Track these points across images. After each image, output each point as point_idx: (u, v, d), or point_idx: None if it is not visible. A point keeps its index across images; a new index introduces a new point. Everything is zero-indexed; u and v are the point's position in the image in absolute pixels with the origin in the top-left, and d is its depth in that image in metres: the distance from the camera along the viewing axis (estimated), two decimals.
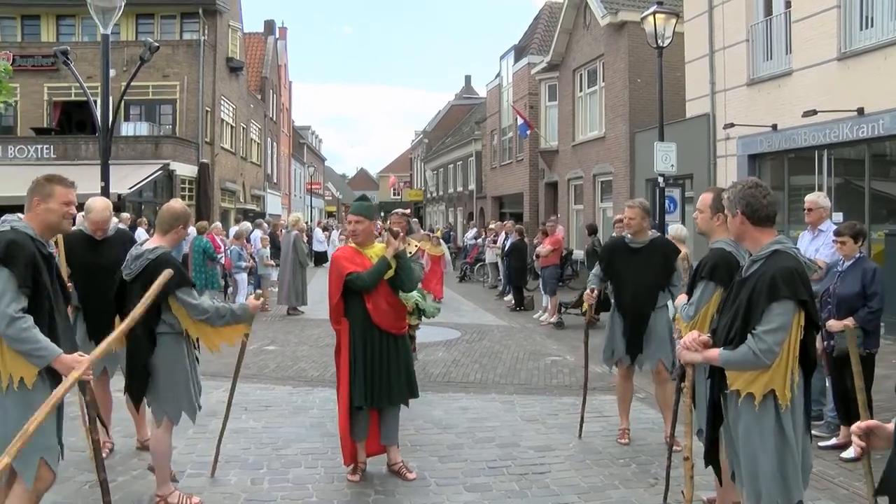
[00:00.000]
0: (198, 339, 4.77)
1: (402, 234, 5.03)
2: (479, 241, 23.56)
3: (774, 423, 3.03)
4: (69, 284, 5.07)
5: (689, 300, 4.03)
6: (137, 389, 4.53)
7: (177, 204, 4.69)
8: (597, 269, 6.05)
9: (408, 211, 41.11)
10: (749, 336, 3.02)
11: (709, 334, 3.30)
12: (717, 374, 3.21)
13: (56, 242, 5.24)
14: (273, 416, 6.69)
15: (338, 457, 5.39)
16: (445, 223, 41.62)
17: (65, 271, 5.09)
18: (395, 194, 64.58)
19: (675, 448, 4.20)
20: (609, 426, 6.39)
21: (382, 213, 64.67)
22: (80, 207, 6.11)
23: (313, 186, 51.40)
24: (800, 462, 3.07)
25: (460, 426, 6.37)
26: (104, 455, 5.32)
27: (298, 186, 50.27)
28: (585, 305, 6.27)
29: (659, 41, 11.51)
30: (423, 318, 6.39)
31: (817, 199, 6.43)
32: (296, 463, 5.38)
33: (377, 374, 4.86)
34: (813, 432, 6.00)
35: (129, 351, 4.58)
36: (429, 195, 51.80)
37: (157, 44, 11.44)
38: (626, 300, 5.75)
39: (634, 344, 5.73)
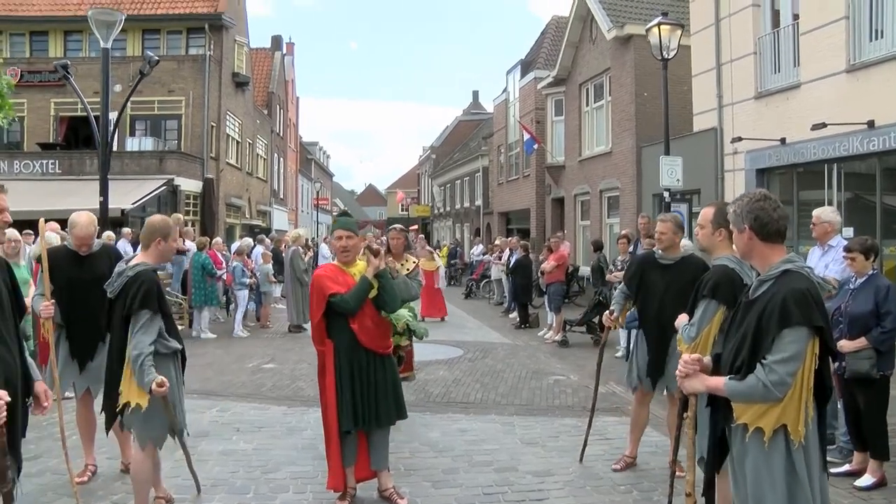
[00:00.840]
0: (183, 361, 4.61)
1: (382, 251, 4.82)
2: (486, 257, 23.35)
3: (785, 462, 2.75)
4: (51, 301, 4.93)
5: (689, 320, 3.82)
6: (111, 411, 4.35)
7: (155, 218, 4.55)
8: (623, 285, 5.76)
9: (415, 227, 41.08)
10: (758, 366, 2.74)
11: (709, 357, 3.07)
12: (720, 404, 2.94)
13: (40, 258, 5.10)
14: (265, 438, 6.48)
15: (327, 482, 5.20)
16: (452, 239, 41.44)
17: (48, 288, 4.93)
18: (402, 210, 64.47)
19: (677, 474, 3.98)
20: (612, 449, 6.15)
21: (407, 231, 64.73)
22: (63, 224, 6.00)
23: (320, 202, 51.33)
24: (815, 503, 2.79)
25: (457, 449, 6.14)
26: (85, 479, 5.20)
27: (305, 202, 50.23)
28: (607, 327, 5.97)
29: (664, 53, 11.33)
30: (413, 338, 6.19)
31: (821, 213, 6.21)
32: (284, 487, 5.17)
33: (364, 396, 4.65)
34: None
35: (107, 370, 4.42)
36: (436, 211, 51.68)
37: (157, 57, 11.35)
38: (651, 318, 5.44)
39: (657, 365, 5.40)
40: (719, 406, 2.96)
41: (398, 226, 7.26)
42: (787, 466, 2.74)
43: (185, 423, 4.55)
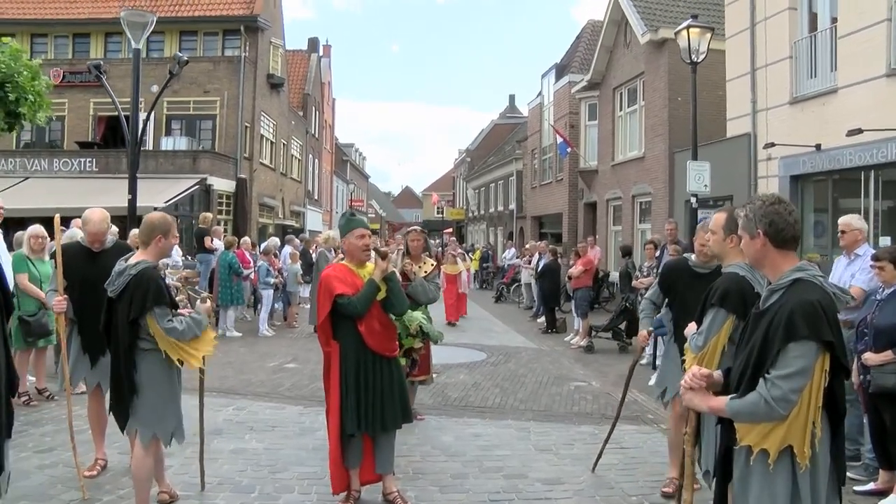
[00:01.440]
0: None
1: (391, 255, 4.76)
2: (516, 261, 23.22)
3: (790, 487, 2.57)
4: (63, 297, 4.97)
5: (698, 329, 3.69)
6: (123, 411, 4.35)
7: (154, 215, 4.55)
8: (651, 292, 5.41)
9: (450, 230, 40.89)
10: (761, 381, 2.56)
11: (720, 371, 2.91)
12: (726, 422, 2.76)
13: (54, 255, 5.14)
14: (277, 437, 6.47)
15: None
16: (486, 242, 41.34)
17: (61, 283, 4.98)
18: (437, 213, 64.57)
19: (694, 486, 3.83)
20: (626, 459, 6.03)
21: (426, 232, 65.05)
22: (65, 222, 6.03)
23: (354, 203, 51.58)
24: None
25: (469, 454, 6.06)
26: (94, 473, 5.23)
27: (340, 203, 50.50)
28: (638, 350, 5.68)
29: (693, 56, 11.12)
30: (428, 340, 6.12)
31: (851, 220, 6.00)
32: (289, 488, 5.14)
33: (370, 400, 4.60)
34: (849, 474, 5.59)
35: (112, 370, 4.42)
36: (470, 214, 51.65)
37: (186, 58, 11.48)
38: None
39: None
40: (724, 422, 2.79)
41: (417, 227, 7.21)
42: (792, 491, 2.57)
43: (182, 422, 4.53)
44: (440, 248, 22.33)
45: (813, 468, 2.57)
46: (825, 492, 2.61)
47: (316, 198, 39.54)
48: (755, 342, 2.66)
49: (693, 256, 5.08)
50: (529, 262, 18.81)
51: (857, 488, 5.33)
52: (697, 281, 4.82)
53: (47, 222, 5.50)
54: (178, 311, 4.40)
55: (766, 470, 2.58)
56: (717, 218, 3.87)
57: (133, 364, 4.27)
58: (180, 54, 12.17)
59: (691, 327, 3.87)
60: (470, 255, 32.84)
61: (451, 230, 53.23)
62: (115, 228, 7.04)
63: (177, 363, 4.34)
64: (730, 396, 2.67)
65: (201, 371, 4.65)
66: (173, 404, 4.43)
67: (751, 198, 2.97)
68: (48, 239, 7.90)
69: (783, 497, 2.57)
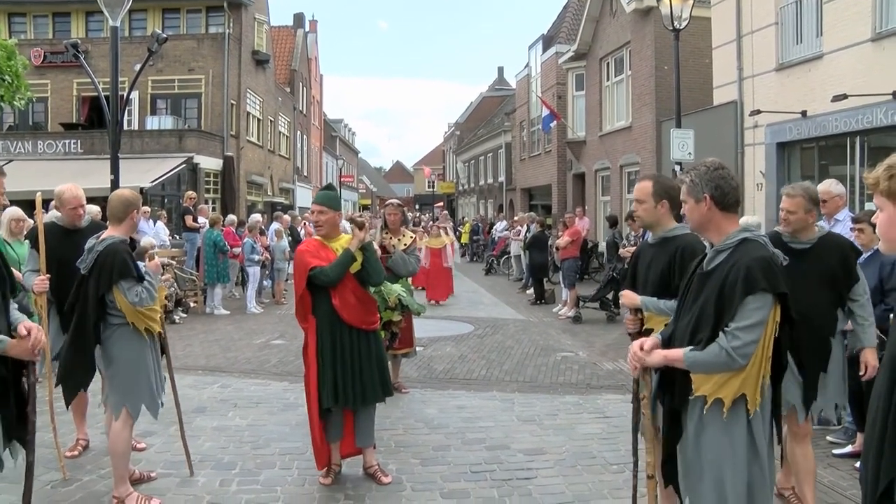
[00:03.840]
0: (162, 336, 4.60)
1: (367, 225, 4.73)
2: (506, 233, 23.21)
3: (746, 433, 2.68)
4: (46, 276, 4.93)
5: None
6: (74, 384, 4.41)
7: (124, 191, 4.58)
8: None
9: (441, 203, 40.63)
10: (721, 334, 2.65)
11: (658, 336, 2.96)
12: (675, 381, 2.84)
13: (34, 237, 5.09)
14: (261, 413, 6.48)
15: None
16: (477, 215, 41.31)
17: (43, 263, 4.94)
18: (429, 187, 64.39)
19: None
20: (609, 428, 6.05)
21: (418, 207, 63.75)
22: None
23: (344, 179, 51.37)
24: (768, 477, 2.72)
25: (451, 426, 6.07)
26: (76, 453, 5.23)
27: (330, 179, 50.23)
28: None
29: (675, 23, 11.02)
30: (409, 313, 6.11)
31: (829, 187, 5.96)
32: (271, 464, 5.15)
33: (348, 374, 4.59)
34: (828, 438, 5.65)
35: (71, 342, 4.38)
36: (460, 188, 51.54)
37: (165, 35, 11.29)
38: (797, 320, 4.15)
39: (812, 386, 4.08)
40: (668, 383, 2.88)
41: (395, 201, 7.17)
42: (748, 438, 2.68)
43: (162, 396, 4.53)
44: (431, 222, 22.19)
45: (762, 413, 2.71)
46: (767, 437, 2.75)
47: (305, 174, 39.33)
48: (707, 299, 2.74)
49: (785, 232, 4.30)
50: (518, 234, 18.80)
51: (835, 451, 5.38)
52: (795, 261, 3.89)
53: (32, 205, 5.46)
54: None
55: (722, 419, 2.69)
56: (644, 186, 3.74)
57: (93, 339, 4.30)
58: (159, 32, 11.98)
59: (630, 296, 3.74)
60: (459, 228, 32.85)
61: (442, 204, 53.14)
62: (96, 209, 6.99)
63: (145, 334, 4.34)
64: (688, 348, 2.74)
65: (160, 336, 4.59)
66: (144, 378, 4.38)
67: (694, 165, 3.04)
68: (26, 222, 7.84)
69: (740, 442, 2.68)
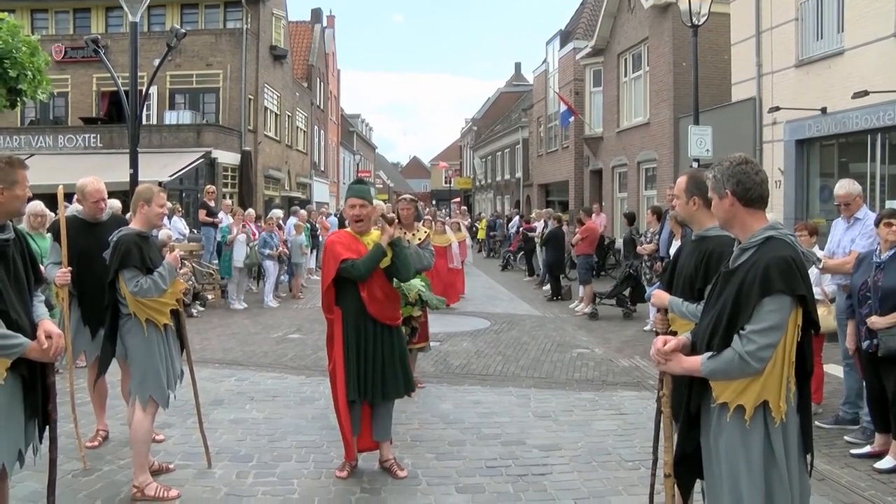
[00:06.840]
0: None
1: (396, 220, 4.75)
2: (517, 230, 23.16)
3: (763, 442, 2.58)
4: (68, 269, 4.98)
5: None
6: (102, 361, 4.65)
7: (141, 185, 4.72)
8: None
9: (458, 199, 40.56)
10: (735, 337, 2.56)
11: (688, 335, 2.89)
12: (695, 384, 2.76)
13: (56, 230, 5.15)
14: (277, 407, 6.53)
15: (331, 451, 5.23)
16: (493, 211, 41.25)
17: (65, 256, 5.01)
18: (445, 183, 64.38)
19: None
20: (625, 424, 6.06)
21: (435, 202, 63.61)
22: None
23: (361, 174, 51.44)
24: (791, 490, 2.59)
25: (467, 421, 6.10)
26: (96, 444, 5.31)
27: (347, 174, 50.39)
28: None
29: (694, 19, 10.94)
30: (426, 308, 6.13)
31: (848, 188, 5.91)
32: (287, 456, 5.19)
33: (370, 368, 4.62)
34: (846, 438, 5.61)
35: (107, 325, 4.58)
36: (477, 183, 51.49)
37: (183, 31, 11.34)
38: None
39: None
40: (692, 384, 2.78)
41: (408, 196, 7.19)
42: (765, 447, 2.58)
43: (175, 389, 4.63)
44: (433, 217, 22.11)
45: (786, 424, 2.59)
46: (795, 447, 2.63)
47: (322, 169, 39.43)
48: (727, 299, 2.66)
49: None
50: (534, 230, 18.76)
51: (853, 451, 5.34)
52: None
53: (52, 199, 5.55)
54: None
55: (742, 426, 2.59)
56: (679, 181, 3.75)
57: (112, 320, 4.49)
58: (177, 27, 12.04)
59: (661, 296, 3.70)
60: (476, 224, 32.80)
61: (459, 199, 53.12)
62: (117, 203, 7.06)
63: (144, 325, 4.42)
64: (706, 356, 2.65)
65: (178, 329, 4.68)
66: (152, 369, 4.44)
67: (719, 160, 2.93)
68: (47, 216, 7.93)
69: (757, 451, 2.58)
